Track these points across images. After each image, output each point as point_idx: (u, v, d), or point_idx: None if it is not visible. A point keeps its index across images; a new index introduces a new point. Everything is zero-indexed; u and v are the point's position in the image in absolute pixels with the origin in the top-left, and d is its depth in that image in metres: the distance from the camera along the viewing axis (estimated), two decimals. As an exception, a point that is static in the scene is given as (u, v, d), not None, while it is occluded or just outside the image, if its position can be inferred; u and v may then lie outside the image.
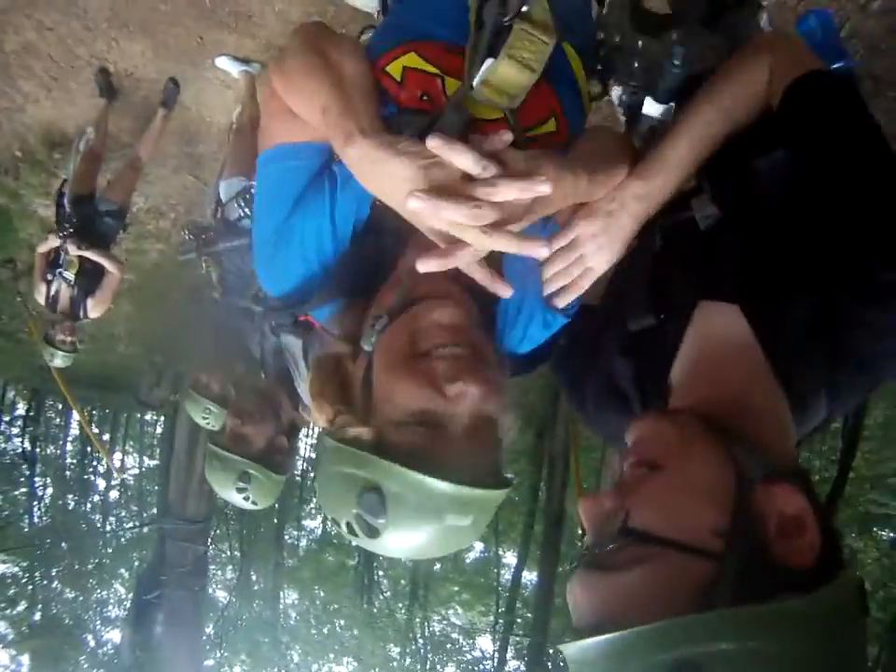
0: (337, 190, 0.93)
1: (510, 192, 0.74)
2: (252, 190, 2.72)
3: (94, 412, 15.44)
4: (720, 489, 0.65)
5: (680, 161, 0.93)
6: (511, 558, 15.01)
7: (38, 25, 3.66)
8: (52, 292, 3.77)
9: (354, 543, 0.86)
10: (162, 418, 13.73)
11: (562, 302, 0.99)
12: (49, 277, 3.74)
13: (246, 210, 2.45)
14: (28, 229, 5.77)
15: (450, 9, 1.00)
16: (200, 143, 4.62)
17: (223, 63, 3.71)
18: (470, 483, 0.77)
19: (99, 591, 14.27)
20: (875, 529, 9.30)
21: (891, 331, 0.75)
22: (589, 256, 0.95)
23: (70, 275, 3.67)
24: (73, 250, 3.59)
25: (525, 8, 0.91)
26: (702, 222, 0.93)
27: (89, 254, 3.64)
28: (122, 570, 14.46)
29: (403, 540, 0.81)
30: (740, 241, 0.87)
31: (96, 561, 14.04)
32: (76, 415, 15.21)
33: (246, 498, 1.89)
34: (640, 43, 1.14)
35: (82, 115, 4.33)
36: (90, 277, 3.76)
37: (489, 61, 0.90)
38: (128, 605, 12.68)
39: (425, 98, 0.94)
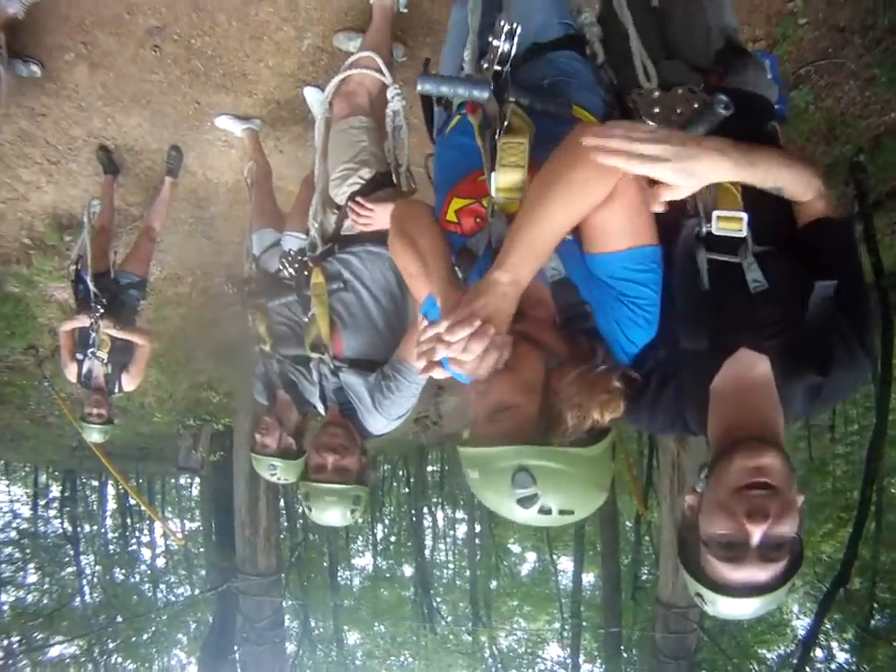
0: None
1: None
2: (288, 248, 2.77)
3: (130, 482, 15.50)
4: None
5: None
6: (565, 564, 14.99)
7: (30, 112, 3.68)
8: (84, 370, 3.78)
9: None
10: (197, 480, 13.77)
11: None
12: (80, 357, 3.74)
13: (290, 270, 2.46)
14: (46, 314, 5.80)
15: (468, 143, 1.38)
16: (210, 205, 4.65)
17: (224, 122, 3.72)
18: None
19: (160, 659, 14.25)
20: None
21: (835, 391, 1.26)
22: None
23: (103, 354, 3.67)
24: (106, 329, 3.60)
25: (506, 123, 1.26)
26: (751, 284, 1.24)
27: (121, 333, 3.65)
28: (180, 635, 14.46)
29: None
30: (781, 315, 1.22)
31: (153, 630, 13.99)
32: (112, 489, 15.36)
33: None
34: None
35: (87, 195, 4.36)
36: (121, 352, 3.76)
37: (493, 175, 1.24)
38: (194, 670, 12.69)
39: (478, 220, 1.34)
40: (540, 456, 1.03)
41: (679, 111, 1.36)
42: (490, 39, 1.28)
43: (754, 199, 1.25)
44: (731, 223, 1.23)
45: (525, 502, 1.04)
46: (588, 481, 1.08)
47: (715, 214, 1.24)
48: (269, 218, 3.23)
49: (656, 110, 1.39)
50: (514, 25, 1.24)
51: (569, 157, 1.13)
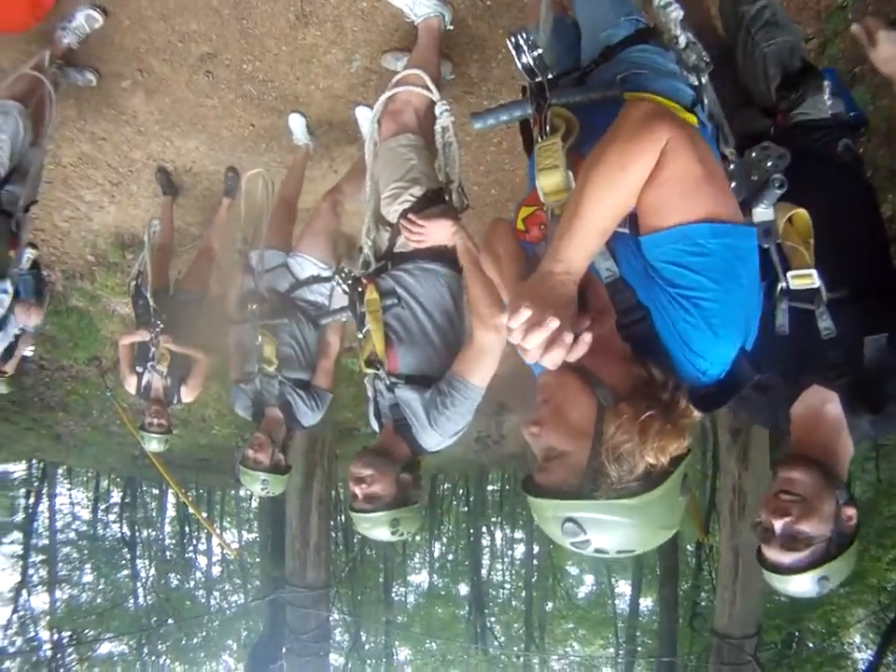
0: None
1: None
2: (301, 272, 2.98)
3: (190, 492, 15.86)
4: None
5: None
6: (623, 587, 14.66)
7: (91, 136, 3.84)
8: (144, 382, 3.89)
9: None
10: (257, 492, 13.92)
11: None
12: (140, 369, 3.87)
13: (344, 287, 2.46)
14: (109, 327, 6.03)
15: None
16: (266, 225, 4.71)
17: (295, 121, 3.62)
18: None
19: (209, 663, 14.53)
20: None
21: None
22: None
23: (163, 367, 3.79)
24: (166, 345, 3.71)
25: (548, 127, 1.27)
26: (823, 331, 1.49)
27: (179, 348, 3.75)
28: (230, 642, 14.68)
29: None
30: (847, 359, 1.46)
31: (203, 635, 14.24)
32: (172, 498, 15.74)
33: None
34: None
35: (147, 215, 4.52)
36: (180, 365, 3.88)
37: (536, 181, 1.23)
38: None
39: (542, 227, 1.32)
40: (584, 510, 1.00)
41: (753, 178, 1.42)
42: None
43: (832, 246, 1.48)
44: (803, 279, 1.48)
45: (578, 545, 1.02)
46: (645, 525, 1.02)
47: (789, 274, 1.49)
48: (281, 241, 3.32)
49: (733, 184, 1.33)
50: (518, 37, 1.27)
51: (610, 135, 1.06)
